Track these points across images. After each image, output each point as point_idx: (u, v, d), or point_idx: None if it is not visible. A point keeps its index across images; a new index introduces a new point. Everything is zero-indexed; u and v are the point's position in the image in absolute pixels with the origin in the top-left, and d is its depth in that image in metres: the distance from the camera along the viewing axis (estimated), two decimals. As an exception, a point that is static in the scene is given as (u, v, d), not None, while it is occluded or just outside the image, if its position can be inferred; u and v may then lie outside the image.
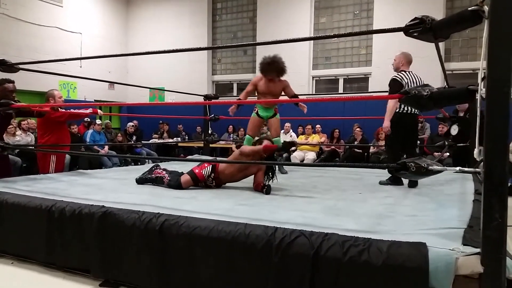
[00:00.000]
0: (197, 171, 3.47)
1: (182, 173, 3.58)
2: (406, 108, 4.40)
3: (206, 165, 3.51)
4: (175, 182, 3.46)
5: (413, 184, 3.78)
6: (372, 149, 8.24)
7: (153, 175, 3.68)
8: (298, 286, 1.87)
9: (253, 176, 3.53)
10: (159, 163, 4.20)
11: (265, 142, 3.55)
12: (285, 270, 1.90)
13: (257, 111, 4.60)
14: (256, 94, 4.57)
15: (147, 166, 6.13)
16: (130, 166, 7.60)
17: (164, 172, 3.66)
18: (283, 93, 4.61)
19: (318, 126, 9.18)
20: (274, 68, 4.30)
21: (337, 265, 1.79)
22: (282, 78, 4.51)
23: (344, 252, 1.78)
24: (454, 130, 5.57)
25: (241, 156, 3.48)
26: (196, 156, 7.76)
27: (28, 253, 2.79)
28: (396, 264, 1.68)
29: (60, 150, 4.83)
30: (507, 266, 1.57)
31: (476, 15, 1.69)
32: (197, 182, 3.47)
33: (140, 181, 3.73)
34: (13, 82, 4.15)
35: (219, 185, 3.54)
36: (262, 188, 3.31)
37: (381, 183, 4.09)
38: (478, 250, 1.63)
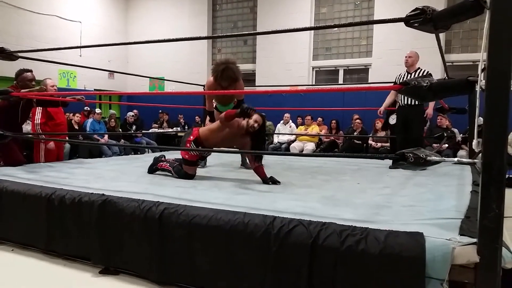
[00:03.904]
0: (186, 156, 3.47)
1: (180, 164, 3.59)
2: (409, 100, 4.60)
3: (188, 145, 3.48)
4: (182, 175, 3.48)
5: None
6: (370, 140, 8.25)
7: (158, 167, 3.71)
8: (296, 275, 1.89)
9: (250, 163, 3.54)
10: (164, 154, 4.21)
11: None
12: (284, 259, 1.91)
13: (215, 105, 4.54)
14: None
15: (147, 155, 6.15)
16: (130, 155, 7.62)
17: (167, 165, 3.66)
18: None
19: (320, 118, 9.18)
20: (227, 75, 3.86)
21: (334, 254, 1.80)
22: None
23: (342, 241, 1.80)
24: (393, 119, 5.54)
25: (223, 125, 3.46)
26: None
27: (28, 241, 2.81)
28: (393, 254, 1.70)
29: (58, 139, 4.86)
30: (502, 256, 1.58)
31: (478, 5, 1.68)
32: (195, 163, 3.52)
33: (150, 171, 3.76)
34: (31, 71, 4.17)
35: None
36: (268, 181, 3.29)
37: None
38: (474, 240, 1.64)
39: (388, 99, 5.16)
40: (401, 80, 4.69)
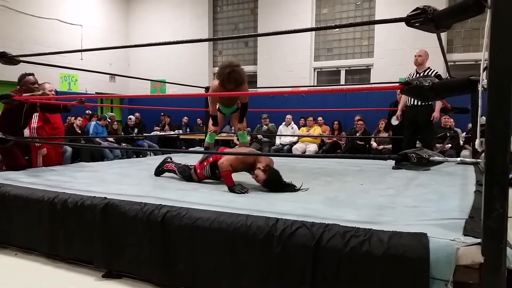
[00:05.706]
0: (198, 171, 3.41)
1: (189, 167, 3.58)
2: (417, 101, 4.56)
3: (205, 164, 3.37)
4: (186, 176, 3.49)
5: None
6: (372, 141, 8.23)
7: (164, 168, 3.75)
8: (299, 277, 1.88)
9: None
10: (170, 156, 4.21)
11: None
12: (287, 261, 1.91)
13: (218, 107, 4.52)
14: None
15: (149, 158, 6.15)
16: (132, 158, 7.62)
17: (173, 165, 3.71)
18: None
19: (320, 118, 9.17)
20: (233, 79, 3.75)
21: (338, 255, 1.80)
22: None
23: (345, 243, 1.79)
24: (395, 121, 5.49)
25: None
26: (197, 149, 7.76)
27: (31, 245, 2.81)
28: (397, 254, 1.69)
29: (56, 142, 4.86)
30: (507, 256, 1.57)
31: (479, 4, 1.67)
32: (201, 179, 3.44)
33: (157, 173, 3.79)
34: (32, 74, 4.17)
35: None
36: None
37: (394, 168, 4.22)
38: (478, 240, 1.63)
39: (402, 101, 5.08)
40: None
